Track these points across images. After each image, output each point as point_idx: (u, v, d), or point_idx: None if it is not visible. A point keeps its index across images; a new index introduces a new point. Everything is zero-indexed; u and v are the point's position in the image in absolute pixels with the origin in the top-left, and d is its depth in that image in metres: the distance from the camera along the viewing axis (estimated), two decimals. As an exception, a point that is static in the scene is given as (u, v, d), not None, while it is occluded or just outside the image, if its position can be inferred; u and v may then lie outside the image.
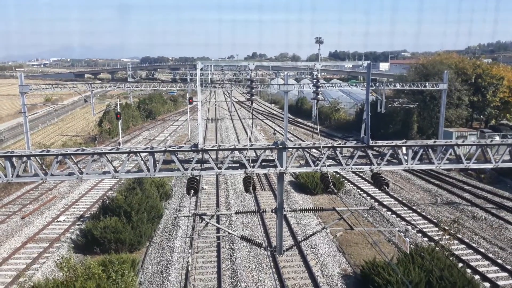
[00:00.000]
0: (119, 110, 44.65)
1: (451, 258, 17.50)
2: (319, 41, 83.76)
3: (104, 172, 12.81)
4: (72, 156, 12.19)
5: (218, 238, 21.15)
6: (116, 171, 12.37)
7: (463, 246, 21.09)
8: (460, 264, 18.39)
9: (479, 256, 20.06)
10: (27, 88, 36.53)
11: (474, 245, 21.21)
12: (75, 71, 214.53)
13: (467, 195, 29.25)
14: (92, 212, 25.29)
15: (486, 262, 19.50)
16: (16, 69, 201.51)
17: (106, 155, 12.29)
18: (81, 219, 24.97)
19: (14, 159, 12.00)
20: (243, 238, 12.89)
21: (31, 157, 12.06)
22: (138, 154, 12.27)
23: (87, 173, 12.34)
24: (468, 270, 18.05)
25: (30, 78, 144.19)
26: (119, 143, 45.22)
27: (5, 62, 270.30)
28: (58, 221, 24.86)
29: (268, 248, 14.67)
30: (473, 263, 19.14)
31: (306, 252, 20.25)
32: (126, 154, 12.45)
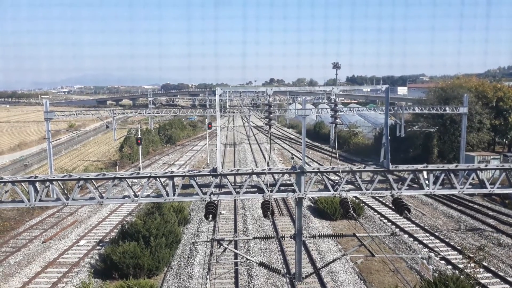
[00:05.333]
0: (139, 136, 45.46)
1: (476, 287, 16.85)
2: (336, 66, 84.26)
3: (124, 197, 12.96)
4: (93, 180, 12.40)
5: (236, 264, 20.93)
6: (136, 196, 12.49)
7: (489, 274, 20.31)
8: (487, 294, 17.69)
9: (506, 286, 19.27)
10: (52, 114, 37.51)
11: (501, 273, 20.40)
12: (98, 98, 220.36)
13: (491, 221, 28.34)
14: (111, 237, 25.43)
15: (515, 292, 18.72)
16: (42, 96, 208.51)
17: (127, 179, 12.45)
18: (101, 244, 25.13)
19: (37, 184, 12.27)
20: (261, 264, 12.74)
21: (54, 182, 12.31)
22: (157, 178, 12.41)
23: (107, 198, 12.51)
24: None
25: (54, 105, 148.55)
26: (139, 168, 45.77)
27: (31, 90, 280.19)
28: (78, 246, 25.08)
29: (287, 275, 14.44)
30: (501, 293, 18.40)
31: (325, 279, 19.81)
32: (146, 179, 12.60)
